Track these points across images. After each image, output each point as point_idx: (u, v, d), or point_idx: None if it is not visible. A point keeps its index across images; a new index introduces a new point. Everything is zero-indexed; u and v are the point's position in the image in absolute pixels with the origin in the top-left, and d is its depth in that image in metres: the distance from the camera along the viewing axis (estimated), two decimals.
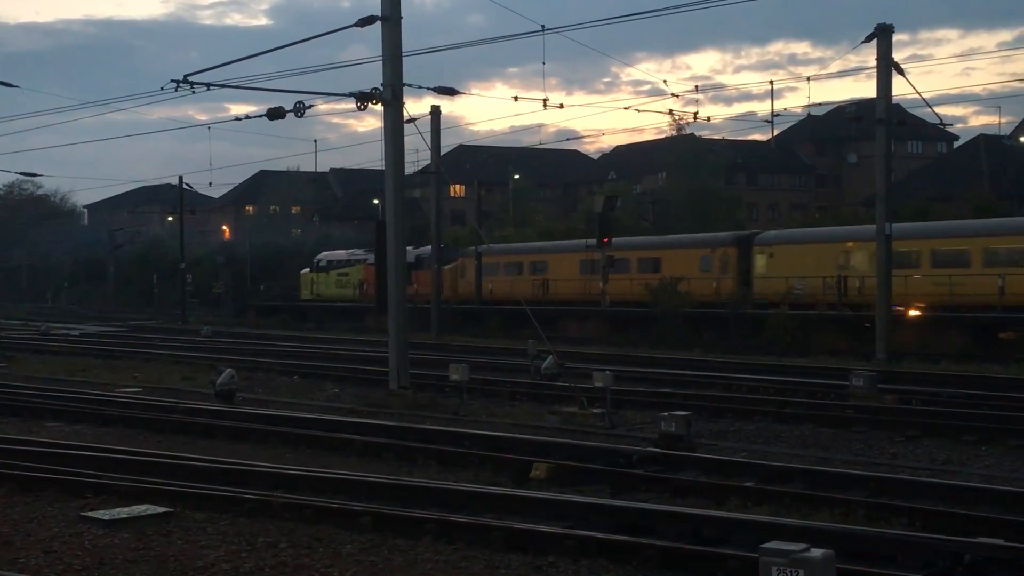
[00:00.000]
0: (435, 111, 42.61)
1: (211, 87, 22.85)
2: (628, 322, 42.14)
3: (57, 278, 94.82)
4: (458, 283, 53.89)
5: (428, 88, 25.22)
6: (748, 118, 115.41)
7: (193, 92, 22.45)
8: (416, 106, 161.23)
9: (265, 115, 22.88)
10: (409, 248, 54.23)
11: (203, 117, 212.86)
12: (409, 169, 35.18)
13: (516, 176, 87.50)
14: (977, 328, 33.54)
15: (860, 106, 63.12)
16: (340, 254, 62.13)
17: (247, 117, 23.98)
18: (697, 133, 79.43)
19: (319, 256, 63.35)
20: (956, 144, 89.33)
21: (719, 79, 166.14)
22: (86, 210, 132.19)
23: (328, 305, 57.76)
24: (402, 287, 23.19)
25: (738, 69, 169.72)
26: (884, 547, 9.32)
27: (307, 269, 63.26)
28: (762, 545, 7.22)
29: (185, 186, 61.77)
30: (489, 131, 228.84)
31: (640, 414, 19.12)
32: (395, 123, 22.74)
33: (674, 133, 76.33)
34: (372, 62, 23.49)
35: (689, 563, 9.17)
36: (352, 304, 55.62)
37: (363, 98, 22.38)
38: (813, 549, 7.06)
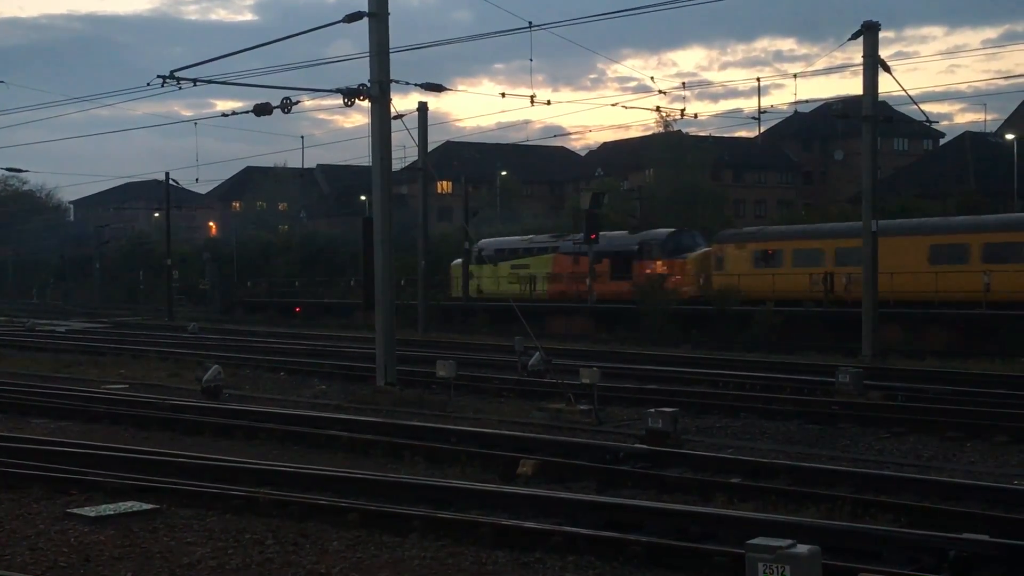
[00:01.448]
0: (422, 107, 42.59)
1: (197, 83, 22.80)
2: (615, 319, 42.13)
3: (43, 274, 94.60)
4: (712, 276, 43.08)
5: (415, 84, 25.15)
6: (734, 115, 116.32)
7: (180, 88, 22.42)
8: (403, 102, 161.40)
9: (252, 111, 22.86)
10: (620, 233, 49.08)
11: (189, 113, 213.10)
12: (396, 165, 35.12)
13: (503, 173, 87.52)
14: (961, 325, 33.67)
15: (846, 103, 62.88)
16: (513, 241, 50.92)
17: (233, 113, 23.95)
18: (684, 130, 79.79)
19: (481, 243, 52.22)
20: (942, 141, 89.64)
21: (705, 76, 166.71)
22: (72, 206, 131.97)
23: (497, 306, 42.67)
24: (389, 283, 23.18)
25: (724, 66, 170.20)
26: (870, 543, 9.35)
27: (459, 260, 52.00)
28: (748, 541, 7.24)
29: (171, 182, 61.57)
30: (476, 127, 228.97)
31: (627, 411, 19.13)
32: (382, 119, 22.73)
33: (661, 130, 76.43)
34: (359, 58, 23.47)
35: (675, 559, 9.19)
36: (535, 304, 44.16)
37: (350, 94, 22.35)
38: (799, 545, 7.08)
